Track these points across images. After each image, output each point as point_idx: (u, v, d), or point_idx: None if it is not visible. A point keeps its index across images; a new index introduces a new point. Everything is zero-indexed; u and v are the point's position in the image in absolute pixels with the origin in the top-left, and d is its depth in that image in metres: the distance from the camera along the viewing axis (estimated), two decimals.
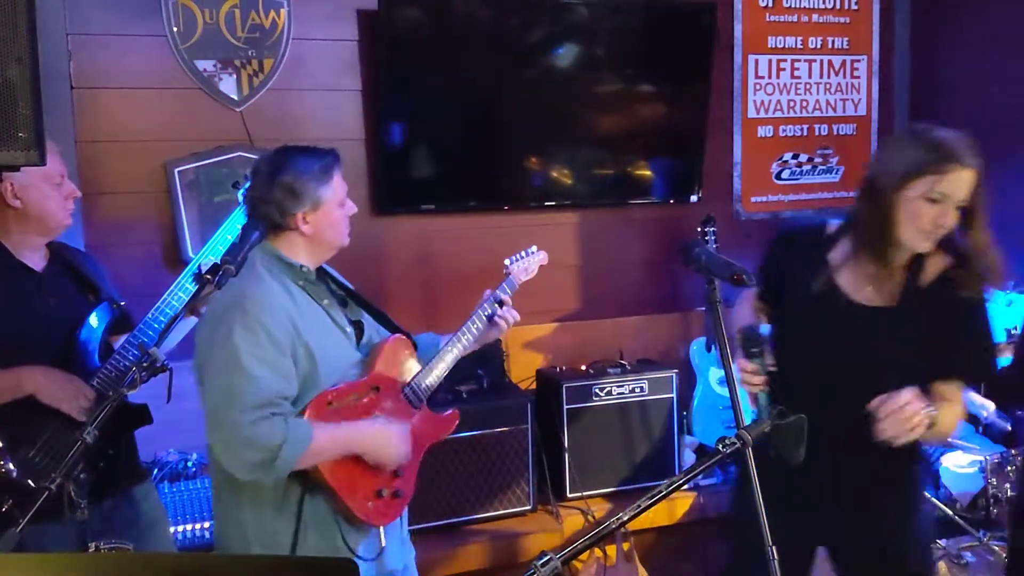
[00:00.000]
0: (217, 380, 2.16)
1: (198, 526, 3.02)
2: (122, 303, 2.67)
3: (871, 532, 2.25)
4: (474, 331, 2.59)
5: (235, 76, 3.51)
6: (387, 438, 2.31)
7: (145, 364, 2.15)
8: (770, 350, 2.09)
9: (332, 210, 2.31)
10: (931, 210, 2.03)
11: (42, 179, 2.47)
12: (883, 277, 2.17)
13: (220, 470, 2.26)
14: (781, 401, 1.93)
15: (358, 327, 2.44)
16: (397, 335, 2.49)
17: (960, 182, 2.02)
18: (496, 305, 2.63)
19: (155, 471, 3.18)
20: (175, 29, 3.41)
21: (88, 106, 3.34)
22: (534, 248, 2.87)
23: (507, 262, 2.81)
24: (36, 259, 2.55)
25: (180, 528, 3.01)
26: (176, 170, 3.43)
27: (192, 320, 2.64)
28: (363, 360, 2.39)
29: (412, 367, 2.49)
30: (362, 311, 2.48)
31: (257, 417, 2.10)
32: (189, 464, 3.21)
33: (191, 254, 3.44)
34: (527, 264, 2.84)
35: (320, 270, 2.41)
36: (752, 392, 2.10)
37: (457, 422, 2.61)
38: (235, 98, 3.52)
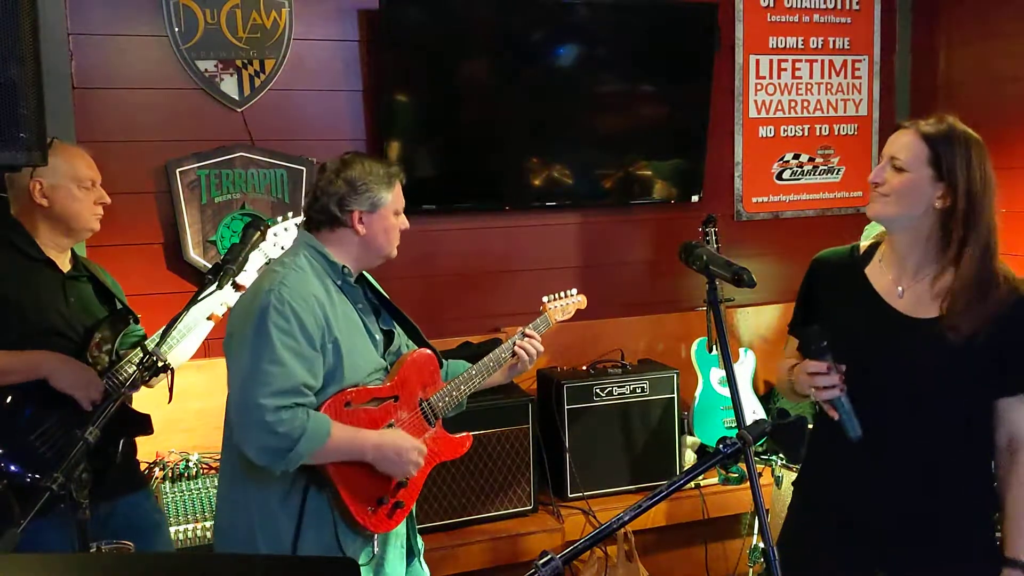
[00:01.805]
0: (246, 362, 2.19)
1: (199, 526, 3.02)
2: (138, 316, 2.70)
3: (936, 562, 2.13)
4: (500, 360, 2.62)
5: (236, 76, 3.51)
6: (400, 454, 2.32)
7: (147, 364, 2.16)
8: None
9: (388, 215, 2.39)
10: None
11: (71, 181, 2.54)
12: (924, 287, 2.11)
13: (233, 455, 2.29)
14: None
15: (388, 336, 2.48)
16: (425, 350, 2.51)
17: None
18: (521, 337, 2.66)
19: (155, 471, 3.18)
20: (176, 29, 3.41)
21: (89, 106, 3.34)
22: (574, 291, 2.94)
23: (545, 299, 2.88)
24: (62, 260, 2.61)
25: (181, 528, 3.01)
26: (177, 170, 3.43)
27: (205, 327, 2.66)
28: (388, 368, 2.43)
29: (434, 384, 2.52)
30: (394, 322, 2.51)
31: (281, 404, 2.13)
32: (190, 464, 3.21)
33: (192, 254, 3.45)
34: (564, 304, 2.90)
35: (360, 276, 2.45)
36: (827, 398, 2.03)
37: (469, 446, 2.63)
38: (236, 98, 3.52)
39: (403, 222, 2.44)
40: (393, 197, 2.39)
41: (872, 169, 2.16)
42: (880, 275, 2.18)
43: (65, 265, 2.61)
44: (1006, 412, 2.09)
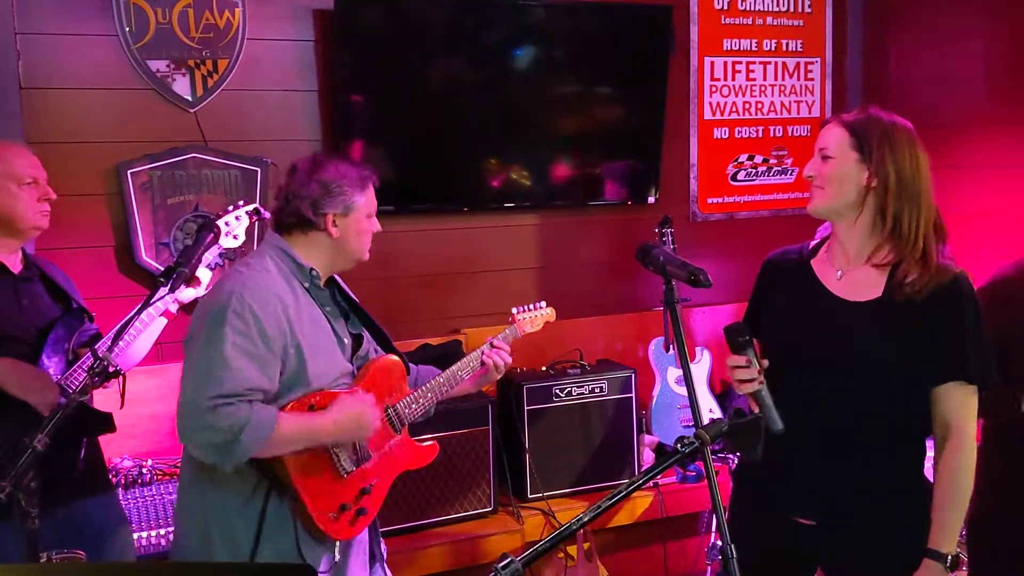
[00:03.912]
0: (197, 362, 2.16)
1: (153, 534, 2.97)
2: (92, 314, 2.67)
3: (867, 554, 2.16)
4: (468, 369, 2.61)
5: (189, 76, 3.46)
6: (356, 420, 2.29)
7: (97, 369, 2.13)
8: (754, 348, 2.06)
9: (361, 218, 2.36)
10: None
11: (9, 179, 2.50)
12: (864, 269, 2.17)
13: (191, 460, 2.25)
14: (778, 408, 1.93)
15: (356, 340, 2.45)
16: (392, 356, 2.49)
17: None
18: (490, 347, 2.65)
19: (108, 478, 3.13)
20: (127, 29, 3.35)
21: (38, 107, 3.27)
22: (543, 303, 2.93)
23: (514, 310, 2.87)
24: (12, 261, 2.57)
25: (135, 536, 2.96)
26: (129, 172, 3.38)
27: (159, 326, 2.63)
28: (354, 373, 2.40)
29: (401, 390, 2.49)
30: (363, 327, 2.48)
31: (222, 403, 2.09)
32: (143, 470, 3.16)
33: (144, 257, 3.39)
34: (533, 316, 2.89)
35: (330, 279, 2.41)
36: (749, 391, 2.05)
37: (436, 455, 2.62)
38: (189, 99, 3.47)
39: (375, 224, 2.42)
40: (367, 199, 2.37)
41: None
42: (824, 266, 2.25)
43: (16, 266, 2.57)
44: (941, 399, 2.12)
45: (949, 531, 2.08)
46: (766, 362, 2.08)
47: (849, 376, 2.12)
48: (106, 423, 2.59)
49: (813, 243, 2.34)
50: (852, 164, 2.12)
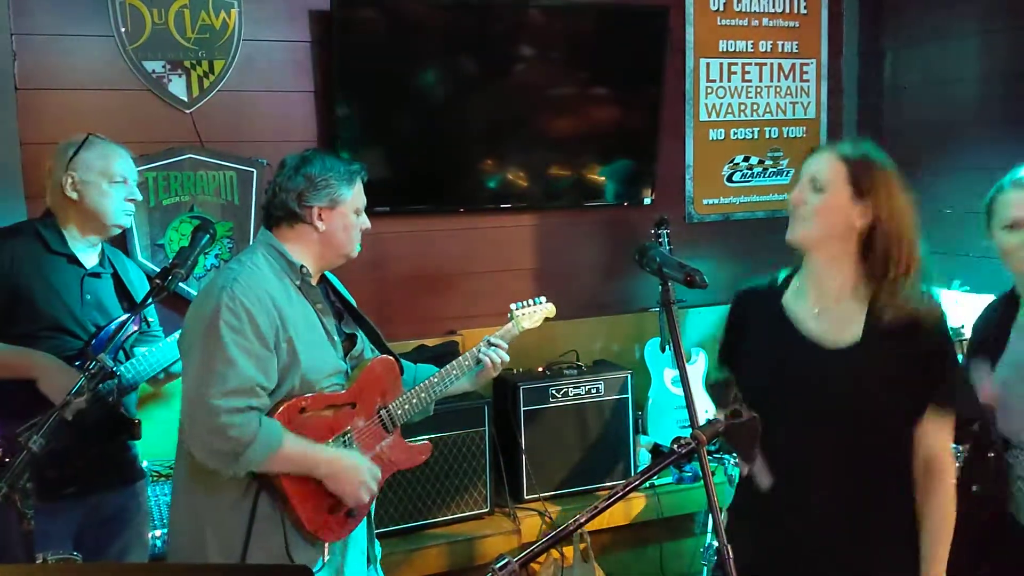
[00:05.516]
0: (198, 362, 2.16)
1: (148, 535, 2.96)
2: (151, 319, 2.74)
3: None
4: (464, 367, 2.59)
5: (185, 77, 3.46)
6: (354, 476, 2.30)
7: (93, 371, 2.13)
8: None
9: (348, 213, 2.36)
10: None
11: (103, 177, 2.59)
12: (844, 310, 2.10)
13: (185, 461, 2.26)
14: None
15: (350, 340, 2.45)
16: (385, 356, 2.49)
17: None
18: (487, 345, 2.63)
19: None
20: (123, 29, 3.35)
21: (33, 107, 3.27)
22: (543, 299, 2.87)
23: (512, 307, 2.82)
24: (88, 255, 2.63)
25: None
26: None
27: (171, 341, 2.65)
28: (348, 372, 2.39)
29: (394, 391, 2.49)
30: (358, 327, 2.48)
31: (235, 407, 2.10)
32: None
33: (139, 258, 3.39)
34: (531, 311, 2.83)
35: (322, 277, 2.41)
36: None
37: (429, 455, 2.61)
38: (185, 99, 3.47)
39: (364, 222, 2.42)
40: (354, 195, 2.37)
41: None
42: (797, 301, 2.16)
43: (91, 260, 2.62)
44: (923, 435, 2.07)
45: (941, 560, 2.07)
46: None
47: (831, 422, 2.06)
48: (130, 430, 2.63)
49: (782, 275, 2.24)
50: (846, 200, 2.06)
